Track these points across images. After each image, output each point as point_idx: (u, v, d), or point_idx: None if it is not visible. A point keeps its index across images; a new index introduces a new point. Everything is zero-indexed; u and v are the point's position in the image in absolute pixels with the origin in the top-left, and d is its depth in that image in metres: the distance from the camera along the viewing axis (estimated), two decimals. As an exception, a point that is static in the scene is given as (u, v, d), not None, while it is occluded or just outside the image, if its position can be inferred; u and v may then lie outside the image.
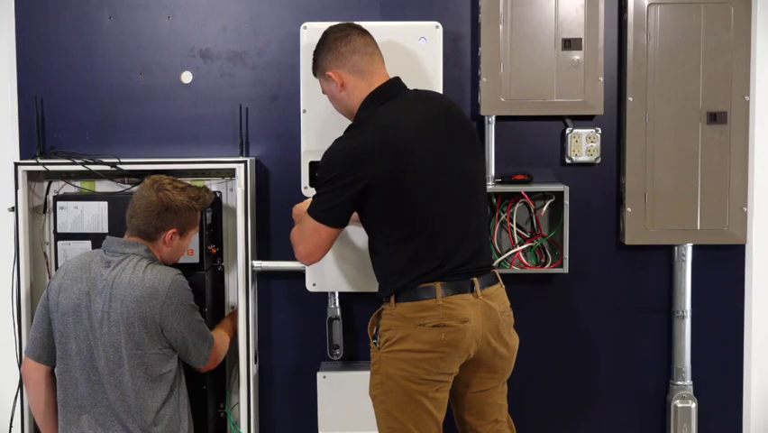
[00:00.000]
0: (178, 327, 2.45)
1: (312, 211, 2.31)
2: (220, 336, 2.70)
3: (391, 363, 2.29)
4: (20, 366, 2.81)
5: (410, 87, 2.68)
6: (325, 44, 2.40)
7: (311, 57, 2.43)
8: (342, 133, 2.35)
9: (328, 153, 2.28)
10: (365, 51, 2.38)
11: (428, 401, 2.29)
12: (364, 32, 2.42)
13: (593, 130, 2.94)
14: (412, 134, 2.27)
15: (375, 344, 2.35)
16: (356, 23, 2.45)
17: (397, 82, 2.40)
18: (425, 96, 2.43)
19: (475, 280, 2.29)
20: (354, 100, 2.36)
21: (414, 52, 2.70)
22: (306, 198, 2.73)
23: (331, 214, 2.28)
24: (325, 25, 2.71)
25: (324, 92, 2.46)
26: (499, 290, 2.37)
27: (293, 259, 2.90)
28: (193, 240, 2.71)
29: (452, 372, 2.30)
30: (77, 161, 2.84)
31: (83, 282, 2.43)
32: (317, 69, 2.44)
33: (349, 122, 2.41)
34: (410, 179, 2.25)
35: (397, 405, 2.30)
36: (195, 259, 2.76)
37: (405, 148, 2.25)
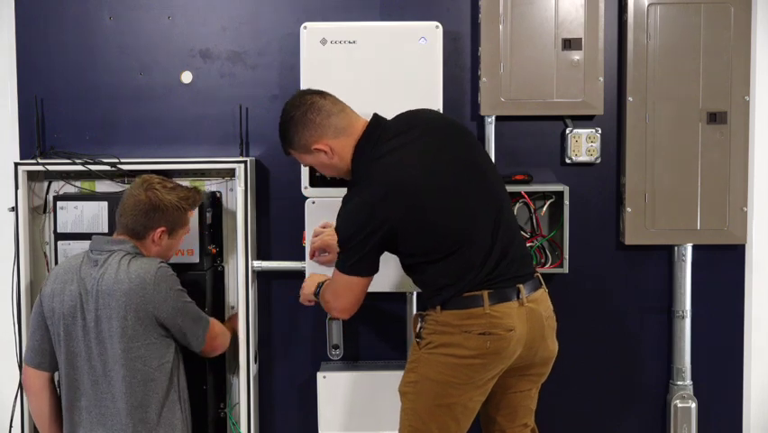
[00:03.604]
0: (171, 313, 2.45)
1: (341, 267, 2.28)
2: (218, 323, 2.68)
3: (431, 365, 2.28)
4: (20, 366, 2.81)
5: (410, 87, 2.69)
6: (295, 121, 2.30)
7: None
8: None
9: (342, 215, 2.24)
10: (336, 110, 2.31)
11: (459, 409, 2.28)
12: (322, 93, 2.35)
13: (593, 130, 2.94)
14: (415, 163, 2.22)
15: (418, 342, 2.33)
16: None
17: (376, 121, 2.32)
18: (409, 118, 2.35)
19: (521, 286, 2.27)
20: (346, 159, 2.31)
21: (414, 52, 2.70)
22: (307, 197, 2.73)
23: (360, 265, 2.25)
24: (326, 25, 2.72)
25: (306, 164, 2.41)
26: (544, 294, 2.36)
27: (293, 259, 2.92)
28: (193, 240, 2.72)
29: (492, 376, 2.29)
30: (77, 161, 2.84)
31: (74, 284, 2.44)
32: (297, 148, 2.34)
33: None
34: (430, 206, 2.21)
35: (426, 407, 2.29)
36: (195, 259, 2.76)
37: (414, 181, 2.20)
